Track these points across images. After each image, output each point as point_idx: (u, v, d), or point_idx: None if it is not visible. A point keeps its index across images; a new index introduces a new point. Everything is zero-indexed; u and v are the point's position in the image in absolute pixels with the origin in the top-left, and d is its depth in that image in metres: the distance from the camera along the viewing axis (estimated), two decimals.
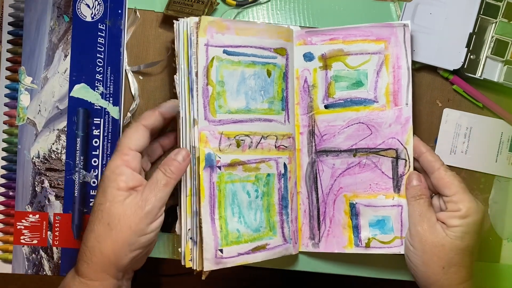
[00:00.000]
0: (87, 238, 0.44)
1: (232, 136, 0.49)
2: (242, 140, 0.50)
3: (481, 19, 0.54)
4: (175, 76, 0.49)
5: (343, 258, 0.56)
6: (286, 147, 0.52)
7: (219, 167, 0.49)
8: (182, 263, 0.49)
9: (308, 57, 0.54)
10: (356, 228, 0.52)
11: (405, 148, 0.51)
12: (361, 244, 0.52)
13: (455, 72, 0.55)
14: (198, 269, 0.48)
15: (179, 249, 0.49)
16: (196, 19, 0.48)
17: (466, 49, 0.54)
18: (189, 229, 0.49)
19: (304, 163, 0.54)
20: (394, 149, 0.52)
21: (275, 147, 0.52)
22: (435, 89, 0.56)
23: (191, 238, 0.49)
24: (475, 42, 0.54)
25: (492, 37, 0.54)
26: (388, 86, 0.52)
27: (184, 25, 0.48)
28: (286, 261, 0.56)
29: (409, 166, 0.51)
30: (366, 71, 0.52)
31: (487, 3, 0.54)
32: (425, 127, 0.56)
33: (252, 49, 0.50)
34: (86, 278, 0.44)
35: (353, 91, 0.53)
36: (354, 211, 0.52)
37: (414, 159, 0.51)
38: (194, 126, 0.48)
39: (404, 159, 0.51)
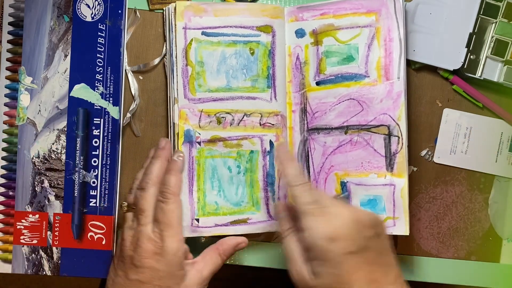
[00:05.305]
0: None
1: (213, 113, 0.52)
2: (222, 117, 0.52)
3: (481, 19, 0.54)
4: (164, 58, 0.53)
5: None
6: (273, 124, 0.53)
7: (199, 143, 0.52)
8: None
9: (300, 33, 0.53)
10: None
11: (398, 125, 0.50)
12: None
13: (455, 72, 0.55)
14: None
15: None
16: (174, 4, 0.51)
17: (466, 49, 0.54)
18: None
19: (297, 141, 0.54)
20: (386, 125, 0.51)
21: (260, 125, 0.52)
22: (435, 89, 0.56)
23: None
24: (475, 42, 0.54)
25: (492, 37, 0.54)
26: (379, 60, 0.51)
27: (167, 11, 0.52)
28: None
29: (402, 144, 0.50)
30: (357, 45, 0.52)
31: (487, 3, 0.54)
32: (425, 127, 0.56)
33: (232, 28, 0.52)
34: None
35: (344, 67, 0.52)
36: (345, 190, 0.52)
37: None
38: (174, 104, 0.51)
39: (397, 136, 0.50)
